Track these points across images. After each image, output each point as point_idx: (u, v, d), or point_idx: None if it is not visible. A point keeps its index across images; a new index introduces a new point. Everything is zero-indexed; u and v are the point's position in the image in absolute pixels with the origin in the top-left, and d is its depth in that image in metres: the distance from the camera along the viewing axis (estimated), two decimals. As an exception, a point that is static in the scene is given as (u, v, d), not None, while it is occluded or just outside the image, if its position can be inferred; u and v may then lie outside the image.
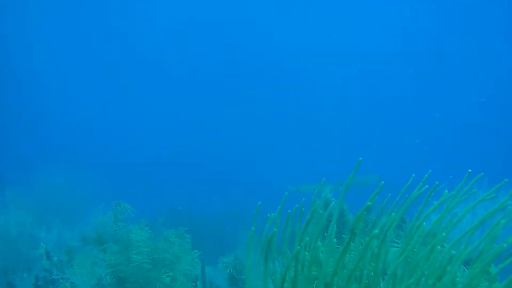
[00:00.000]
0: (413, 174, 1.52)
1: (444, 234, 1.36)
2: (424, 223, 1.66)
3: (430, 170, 1.49)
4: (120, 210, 4.16)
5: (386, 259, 1.81)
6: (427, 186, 1.44)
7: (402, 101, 23.29)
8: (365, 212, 1.71)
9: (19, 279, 5.82)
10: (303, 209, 1.63)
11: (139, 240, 3.98)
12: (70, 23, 22.45)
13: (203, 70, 25.09)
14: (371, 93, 24.25)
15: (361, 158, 1.45)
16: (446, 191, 1.38)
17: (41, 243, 5.56)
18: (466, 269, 1.72)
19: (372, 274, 1.78)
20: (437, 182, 1.41)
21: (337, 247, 1.86)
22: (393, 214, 1.47)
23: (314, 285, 2.39)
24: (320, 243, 1.52)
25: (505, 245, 1.24)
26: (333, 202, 1.54)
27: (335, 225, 1.80)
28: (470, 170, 1.40)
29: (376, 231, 1.26)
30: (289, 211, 1.58)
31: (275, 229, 1.44)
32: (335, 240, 1.66)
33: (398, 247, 1.97)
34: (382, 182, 1.47)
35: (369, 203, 1.32)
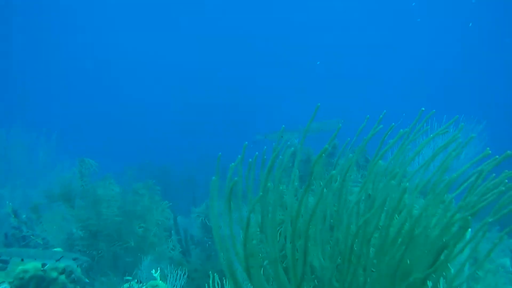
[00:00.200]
0: (367, 116, 1.55)
1: (397, 170, 1.42)
2: (382, 162, 1.73)
3: (385, 111, 1.53)
4: (85, 166, 4.10)
5: (349, 198, 1.89)
6: (382, 126, 1.48)
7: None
8: (326, 156, 1.73)
9: (-12, 238, 5.75)
10: (265, 157, 1.66)
11: (107, 194, 3.98)
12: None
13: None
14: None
15: (319, 104, 1.46)
16: (401, 130, 1.43)
17: (7, 202, 5.46)
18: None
19: (335, 214, 1.87)
20: (393, 124, 1.46)
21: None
22: (350, 155, 1.52)
23: (282, 229, 2.50)
24: (283, 187, 1.56)
25: (455, 175, 1.31)
26: (293, 148, 1.56)
27: (297, 170, 1.85)
28: (423, 109, 1.44)
29: (334, 171, 1.30)
30: (250, 159, 1.60)
31: (236, 178, 1.46)
32: (296, 184, 1.71)
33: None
34: (340, 125, 1.50)
35: (327, 146, 1.35)
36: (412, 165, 1.65)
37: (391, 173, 1.48)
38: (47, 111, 20.34)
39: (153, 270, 3.17)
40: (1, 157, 7.22)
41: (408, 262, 1.69)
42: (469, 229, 1.50)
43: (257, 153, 1.59)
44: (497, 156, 1.36)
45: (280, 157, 1.57)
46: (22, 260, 2.53)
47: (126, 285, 2.96)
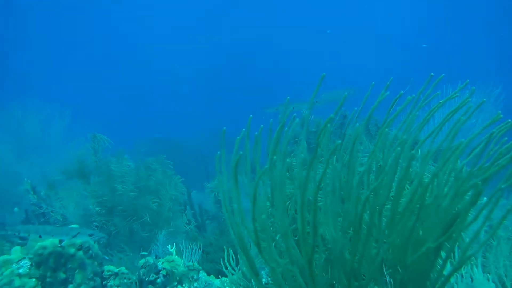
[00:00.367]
0: (373, 83, 1.50)
1: (404, 137, 1.39)
2: (391, 130, 1.69)
3: (392, 78, 1.48)
4: (97, 141, 4.16)
5: (359, 169, 1.87)
6: (388, 92, 1.43)
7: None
8: (338, 127, 1.70)
9: (9, 214, 5.98)
10: (272, 128, 1.64)
11: (120, 169, 4.05)
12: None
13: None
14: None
15: (324, 73, 1.42)
16: (409, 96, 1.38)
17: (26, 179, 5.62)
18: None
19: (345, 185, 1.85)
20: (402, 92, 1.41)
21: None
22: (357, 124, 1.49)
23: (292, 202, 2.51)
24: (292, 160, 1.55)
25: (465, 140, 1.27)
26: (297, 119, 1.53)
27: (305, 141, 1.83)
28: (432, 74, 1.39)
29: (339, 141, 1.28)
30: (256, 133, 1.59)
31: (241, 152, 1.46)
32: (303, 155, 1.69)
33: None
34: (346, 94, 1.46)
35: (332, 116, 1.32)
36: (424, 132, 1.61)
37: (399, 141, 1.44)
38: (59, 85, 20.58)
39: (169, 246, 3.26)
40: (18, 135, 7.38)
41: (421, 232, 1.68)
42: (484, 197, 1.48)
43: (262, 125, 1.58)
44: (509, 120, 1.31)
45: (286, 128, 1.55)
46: (40, 236, 2.62)
47: (142, 260, 3.04)
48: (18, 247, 2.99)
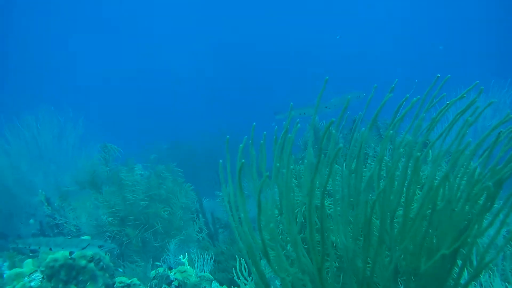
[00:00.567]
0: (375, 85, 1.47)
1: (410, 138, 1.35)
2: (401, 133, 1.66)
3: (397, 80, 1.44)
4: (108, 151, 4.21)
5: (368, 174, 1.83)
6: (391, 94, 1.40)
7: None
8: (348, 132, 1.67)
9: (24, 225, 6.09)
10: (276, 135, 1.62)
11: (131, 178, 4.08)
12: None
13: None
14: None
15: (327, 77, 1.40)
16: (414, 98, 1.34)
17: (40, 190, 5.71)
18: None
19: (353, 191, 1.82)
20: (408, 95, 1.38)
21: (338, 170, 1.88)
22: (363, 129, 1.46)
23: (302, 208, 2.48)
24: (296, 167, 1.52)
25: (471, 140, 1.23)
26: (299, 125, 1.51)
27: (311, 148, 1.81)
28: (439, 75, 1.35)
29: (340, 145, 1.25)
30: (261, 141, 1.58)
31: (243, 160, 1.44)
32: (306, 161, 1.67)
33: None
34: (349, 97, 1.43)
35: (333, 119, 1.30)
36: (435, 134, 1.56)
37: (407, 144, 1.41)
38: (71, 92, 20.96)
39: (181, 256, 3.26)
40: (32, 145, 7.52)
41: (435, 239, 1.64)
42: (500, 201, 1.42)
43: (265, 132, 1.56)
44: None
45: (290, 135, 1.53)
46: (51, 249, 2.65)
47: (153, 271, 3.05)
48: (29, 260, 3.04)
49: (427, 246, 1.63)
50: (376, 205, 1.53)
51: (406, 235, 1.65)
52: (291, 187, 1.66)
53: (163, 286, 2.98)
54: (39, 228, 5.30)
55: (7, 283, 2.83)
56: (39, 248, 2.73)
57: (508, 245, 1.97)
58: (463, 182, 1.39)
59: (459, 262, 1.63)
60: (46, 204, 5.37)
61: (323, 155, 1.41)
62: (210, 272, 3.13)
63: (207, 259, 3.15)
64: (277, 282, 2.98)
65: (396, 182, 1.59)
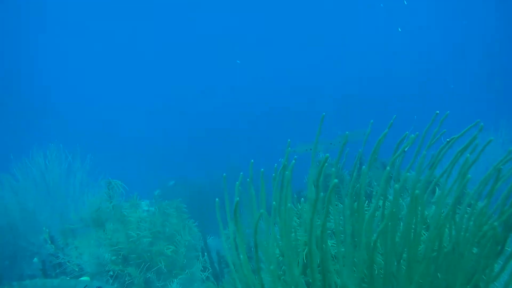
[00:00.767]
0: (371, 121, 1.44)
1: (407, 173, 1.30)
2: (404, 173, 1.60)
3: (395, 115, 1.41)
4: (112, 188, 4.19)
5: (376, 214, 1.76)
6: (387, 130, 1.36)
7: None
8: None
9: (28, 265, 6.02)
10: (273, 174, 1.58)
11: (134, 215, 4.03)
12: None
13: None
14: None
15: (324, 113, 1.37)
16: (412, 135, 1.30)
17: (44, 228, 5.67)
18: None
19: (356, 232, 1.75)
20: (407, 132, 1.34)
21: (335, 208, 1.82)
22: (363, 167, 1.41)
23: (304, 251, 2.39)
24: (290, 205, 1.47)
25: (469, 176, 1.17)
26: (293, 162, 1.47)
27: (312, 185, 1.76)
28: (437, 112, 1.31)
29: (335, 180, 1.20)
30: (247, 180, 1.53)
31: (237, 198, 1.40)
32: (302, 199, 1.61)
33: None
34: (347, 134, 1.40)
35: (328, 155, 1.26)
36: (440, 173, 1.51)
37: (409, 182, 1.35)
38: (79, 130, 21.32)
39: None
40: (40, 182, 7.56)
41: (444, 283, 1.54)
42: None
43: (262, 169, 1.52)
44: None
45: (287, 172, 1.48)
46: (47, 291, 2.58)
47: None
48: (26, 302, 2.95)
49: (437, 291, 1.53)
50: (379, 246, 1.46)
51: (413, 279, 1.56)
52: (291, 226, 1.60)
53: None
54: (41, 267, 5.22)
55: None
56: (36, 290, 2.67)
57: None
58: (471, 223, 1.32)
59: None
60: (49, 242, 5.31)
61: (322, 193, 1.36)
62: (212, 315, 3.01)
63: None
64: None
65: (401, 223, 1.52)
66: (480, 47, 21.08)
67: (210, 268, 4.32)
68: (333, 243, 2.25)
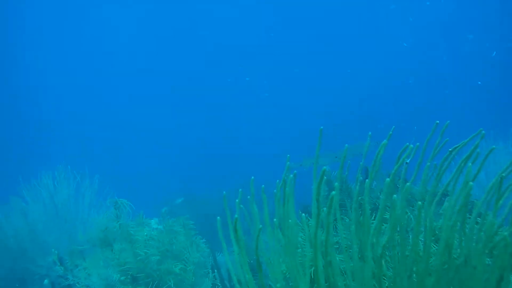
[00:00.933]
0: (369, 133, 1.40)
1: (408, 184, 1.25)
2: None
3: (394, 126, 1.37)
4: (118, 207, 4.17)
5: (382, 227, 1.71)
6: (386, 141, 1.32)
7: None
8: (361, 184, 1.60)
9: (38, 287, 6.01)
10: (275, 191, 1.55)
11: (141, 234, 4.00)
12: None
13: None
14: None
15: (322, 127, 1.34)
16: (411, 145, 1.27)
17: (53, 249, 5.67)
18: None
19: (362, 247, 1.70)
20: (408, 143, 1.30)
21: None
22: (366, 180, 1.37)
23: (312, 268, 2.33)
24: (292, 221, 1.43)
25: (471, 184, 1.13)
26: (291, 176, 1.43)
27: (316, 201, 1.71)
28: (437, 122, 1.28)
29: (333, 192, 1.16)
30: (246, 196, 1.50)
31: (236, 215, 1.36)
32: (303, 215, 1.57)
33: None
34: (347, 146, 1.36)
35: (325, 168, 1.22)
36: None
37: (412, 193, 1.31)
38: (86, 150, 21.50)
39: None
40: (48, 204, 7.58)
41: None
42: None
43: (263, 185, 1.48)
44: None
45: (287, 188, 1.45)
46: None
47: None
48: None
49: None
50: (388, 260, 1.40)
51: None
52: (295, 242, 1.56)
53: None
54: (51, 289, 5.21)
55: None
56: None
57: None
58: (482, 234, 1.26)
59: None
60: (58, 264, 5.30)
61: (325, 208, 1.32)
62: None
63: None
64: None
65: (410, 235, 1.47)
66: (487, 56, 20.97)
67: (220, 285, 4.26)
68: (342, 258, 2.20)
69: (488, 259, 1.33)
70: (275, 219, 1.45)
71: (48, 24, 22.33)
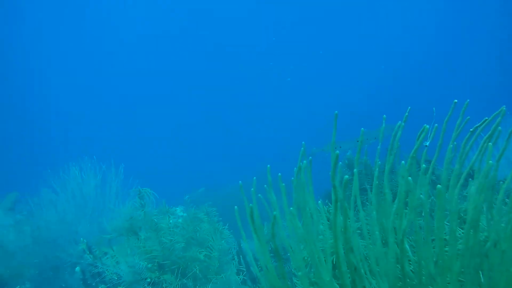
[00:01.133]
0: (384, 116, 1.34)
1: (423, 165, 1.19)
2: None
3: (409, 107, 1.31)
4: (142, 196, 4.23)
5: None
6: (403, 124, 1.26)
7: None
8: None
9: (70, 275, 6.20)
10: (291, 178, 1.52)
11: (165, 222, 4.06)
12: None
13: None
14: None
15: (336, 112, 1.29)
16: (427, 126, 1.20)
17: (81, 238, 5.82)
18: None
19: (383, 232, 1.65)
20: (426, 125, 1.24)
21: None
22: (378, 162, 1.32)
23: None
24: (308, 208, 1.40)
25: (491, 162, 1.06)
26: (305, 162, 1.39)
27: (338, 188, 1.67)
28: (456, 100, 1.20)
29: (346, 176, 1.12)
30: (265, 186, 1.47)
31: (251, 205, 1.34)
32: (318, 202, 1.54)
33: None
34: (363, 130, 1.31)
35: (337, 152, 1.18)
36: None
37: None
38: (112, 140, 21.95)
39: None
40: (77, 195, 7.79)
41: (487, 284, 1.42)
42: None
43: (280, 174, 1.45)
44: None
45: (302, 175, 1.41)
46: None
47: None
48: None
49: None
50: (410, 245, 1.36)
51: (452, 279, 1.45)
52: (314, 230, 1.53)
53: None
54: (81, 277, 5.36)
55: None
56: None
57: None
58: (511, 215, 1.20)
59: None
60: (87, 252, 5.45)
61: (338, 193, 1.28)
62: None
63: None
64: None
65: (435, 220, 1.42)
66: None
67: (246, 271, 4.29)
68: (364, 243, 2.16)
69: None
70: (291, 208, 1.42)
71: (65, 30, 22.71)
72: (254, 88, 24.78)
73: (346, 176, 1.11)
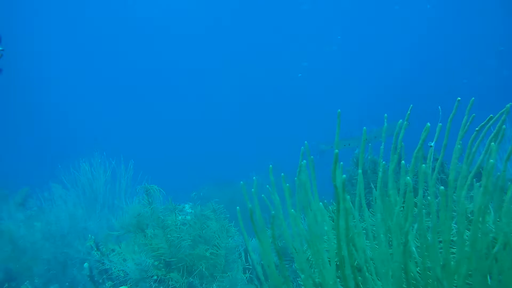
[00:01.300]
0: (385, 115, 1.30)
1: (423, 166, 1.16)
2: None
3: (412, 105, 1.27)
4: (150, 193, 4.24)
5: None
6: (406, 122, 1.23)
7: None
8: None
9: (78, 270, 6.25)
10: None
11: (172, 218, 4.06)
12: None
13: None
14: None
15: (339, 110, 1.26)
16: (428, 124, 1.17)
17: (89, 235, 5.86)
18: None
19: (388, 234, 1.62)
20: (429, 124, 1.20)
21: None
22: (383, 162, 1.28)
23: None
24: (313, 208, 1.37)
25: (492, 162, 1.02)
26: (304, 162, 1.36)
27: (342, 188, 1.64)
28: (459, 98, 1.17)
29: (344, 176, 1.08)
30: (268, 186, 1.45)
31: (250, 205, 1.32)
32: (319, 204, 1.50)
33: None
34: (366, 130, 1.27)
35: (336, 151, 1.14)
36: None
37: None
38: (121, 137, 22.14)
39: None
40: (87, 190, 7.86)
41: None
42: None
43: (283, 174, 1.42)
44: None
45: (302, 176, 1.38)
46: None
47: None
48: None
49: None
50: (413, 249, 1.32)
51: (459, 282, 1.41)
52: (318, 231, 1.50)
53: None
54: (88, 273, 5.40)
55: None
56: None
57: None
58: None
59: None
60: (95, 249, 5.48)
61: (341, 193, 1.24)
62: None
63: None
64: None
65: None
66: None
67: (252, 269, 4.28)
68: (368, 244, 2.12)
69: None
70: (292, 210, 1.39)
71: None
72: (266, 85, 24.77)
73: (344, 176, 1.08)
